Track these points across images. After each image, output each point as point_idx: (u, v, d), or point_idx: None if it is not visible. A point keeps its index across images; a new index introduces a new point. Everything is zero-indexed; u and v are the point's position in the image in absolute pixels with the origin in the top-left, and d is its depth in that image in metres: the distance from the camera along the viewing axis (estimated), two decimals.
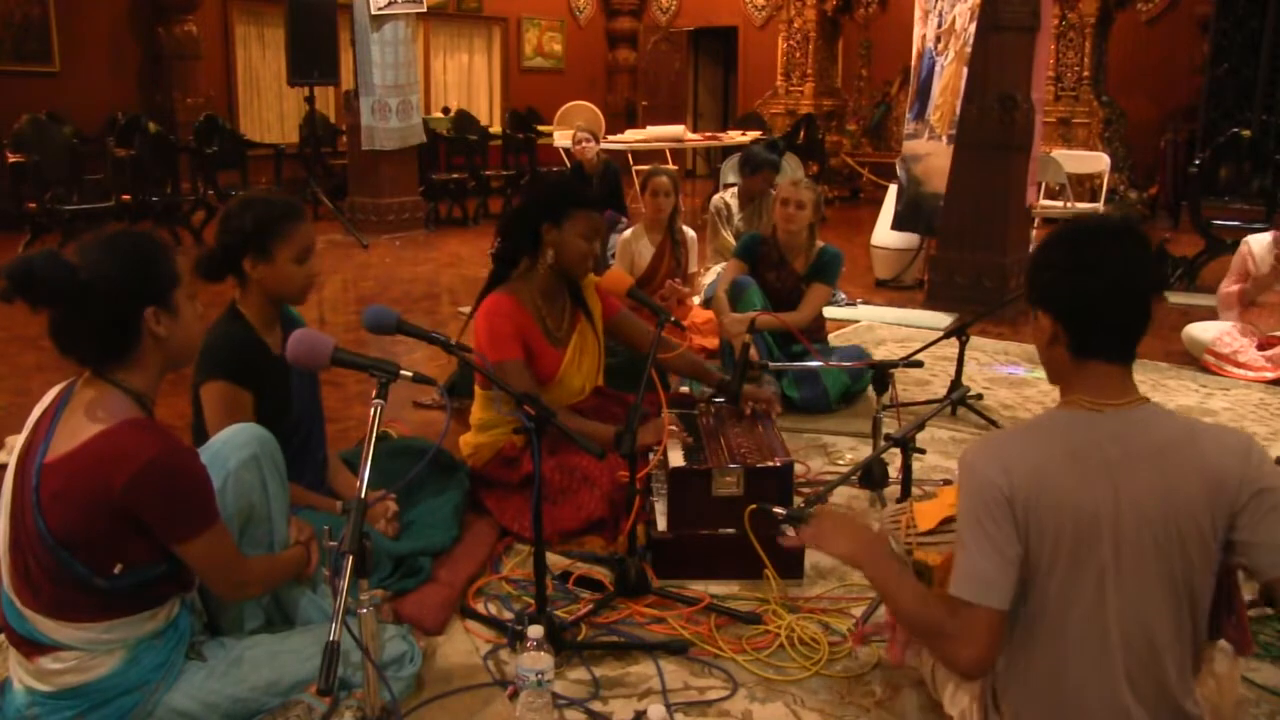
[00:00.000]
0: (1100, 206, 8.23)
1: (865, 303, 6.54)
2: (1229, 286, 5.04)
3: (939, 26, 6.33)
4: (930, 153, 6.32)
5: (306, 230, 2.54)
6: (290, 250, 2.49)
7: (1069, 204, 8.15)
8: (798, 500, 2.93)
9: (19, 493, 1.82)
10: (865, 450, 3.65)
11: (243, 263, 2.50)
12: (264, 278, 2.51)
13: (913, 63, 6.68)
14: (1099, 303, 1.65)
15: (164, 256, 1.89)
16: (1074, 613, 1.63)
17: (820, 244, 4.39)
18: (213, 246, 2.53)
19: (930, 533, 2.09)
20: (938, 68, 6.32)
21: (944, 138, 6.17)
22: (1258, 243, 4.96)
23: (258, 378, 2.49)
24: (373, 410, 1.91)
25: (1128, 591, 1.61)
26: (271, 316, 2.59)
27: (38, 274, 1.72)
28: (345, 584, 1.73)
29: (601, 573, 2.72)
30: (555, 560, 2.76)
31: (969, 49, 5.98)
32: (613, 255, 5.26)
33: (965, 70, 5.99)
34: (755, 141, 9.67)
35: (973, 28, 5.94)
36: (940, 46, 6.31)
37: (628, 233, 5.03)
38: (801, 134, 11.25)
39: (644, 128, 11.49)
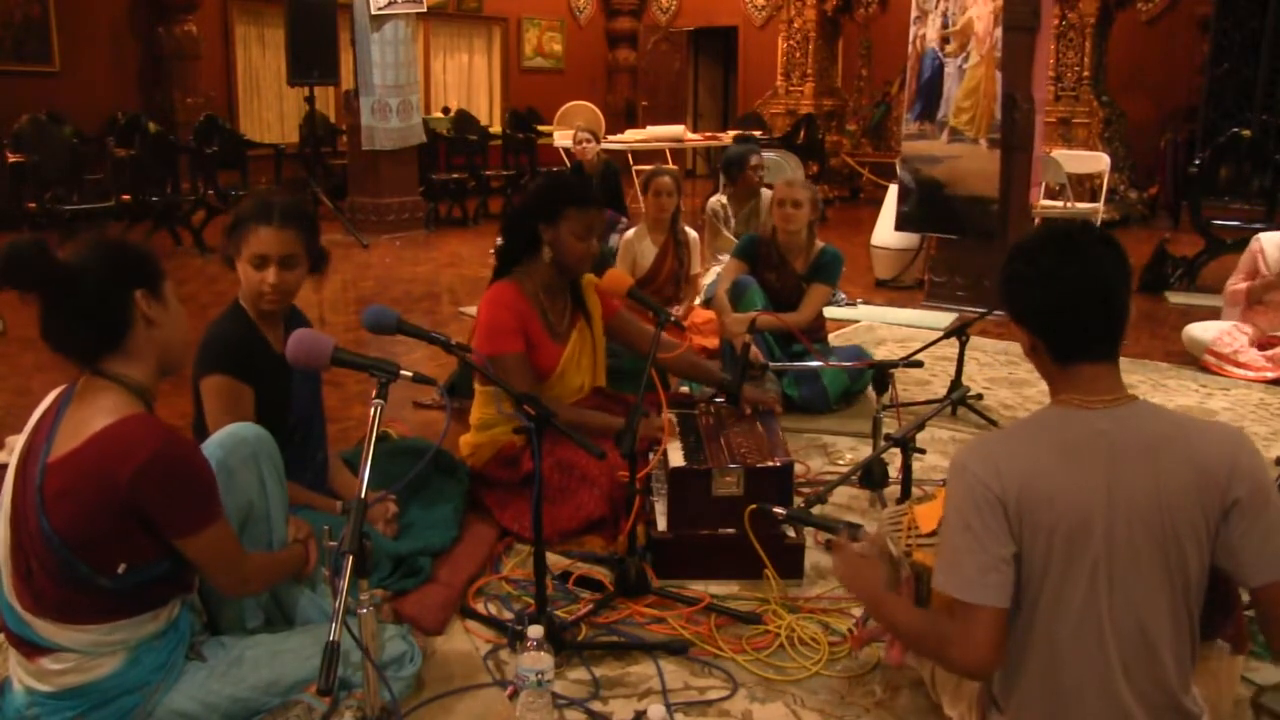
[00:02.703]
0: (1100, 206, 8.23)
1: (865, 303, 6.54)
2: (1236, 284, 5.01)
3: (945, 27, 6.32)
4: (958, 155, 6.32)
5: (260, 235, 2.45)
6: (246, 252, 2.47)
7: (1069, 204, 8.15)
8: (798, 500, 2.93)
9: (21, 494, 1.82)
10: (865, 450, 3.65)
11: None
12: (239, 277, 2.53)
13: (910, 62, 6.66)
14: (1067, 309, 1.66)
15: (149, 252, 1.93)
16: (1068, 610, 1.63)
17: (820, 244, 4.39)
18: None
19: (932, 534, 2.09)
20: (950, 69, 6.31)
21: (981, 141, 6.18)
22: (1270, 241, 4.92)
23: (257, 373, 2.49)
24: (373, 410, 1.91)
25: (1121, 587, 1.61)
26: (271, 313, 2.59)
27: (23, 258, 1.74)
28: (345, 584, 1.73)
29: (601, 573, 2.72)
30: (555, 560, 2.76)
31: (998, 53, 6.00)
32: (612, 256, 5.26)
33: (999, 74, 6.01)
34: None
35: (999, 31, 5.96)
36: (951, 48, 6.29)
37: (630, 233, 5.03)
38: (801, 134, 11.25)
39: (644, 128, 11.49)
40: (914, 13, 6.56)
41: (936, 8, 6.36)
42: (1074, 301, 1.65)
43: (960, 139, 6.29)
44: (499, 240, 3.20)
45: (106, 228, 7.52)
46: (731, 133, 11.81)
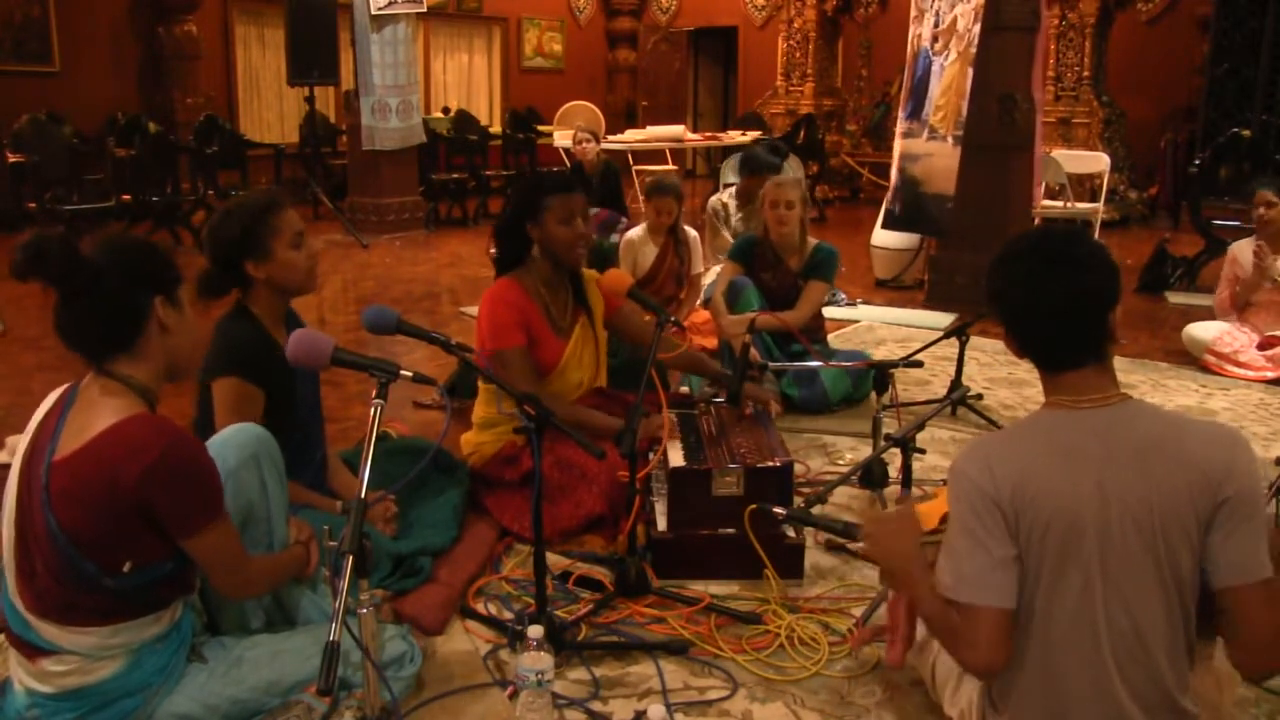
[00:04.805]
0: (1100, 206, 8.22)
1: (865, 303, 6.54)
2: (1221, 294, 5.15)
3: (935, 26, 6.31)
4: (932, 153, 6.29)
5: (291, 216, 2.55)
6: (284, 239, 2.51)
7: (1069, 204, 8.15)
8: (798, 500, 2.93)
9: (26, 494, 1.82)
10: (865, 450, 3.65)
11: (244, 268, 2.51)
12: (269, 275, 2.52)
13: (907, 62, 6.66)
14: (1046, 324, 1.68)
15: (170, 256, 1.94)
16: (1062, 610, 1.63)
17: (814, 241, 4.38)
18: (208, 265, 2.53)
19: (933, 532, 2.09)
20: (935, 67, 6.30)
21: (949, 138, 6.15)
22: (1239, 248, 5.09)
23: (268, 375, 2.50)
24: (373, 410, 1.91)
25: (1115, 586, 1.61)
26: (280, 314, 2.60)
27: (48, 250, 1.74)
28: (345, 584, 1.73)
29: (601, 573, 2.73)
30: (555, 560, 2.77)
31: (974, 50, 5.97)
32: (614, 253, 5.25)
33: (970, 71, 5.98)
34: (758, 142, 9.67)
35: (977, 28, 5.93)
36: (938, 46, 6.29)
37: (631, 233, 5.03)
38: (801, 134, 11.25)
39: (644, 128, 11.49)
40: (913, 12, 6.57)
41: (931, 7, 6.36)
42: (1052, 317, 1.67)
43: (935, 136, 6.28)
44: (492, 250, 3.22)
45: (108, 228, 7.52)
46: (733, 132, 11.81)
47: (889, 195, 6.65)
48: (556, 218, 3.00)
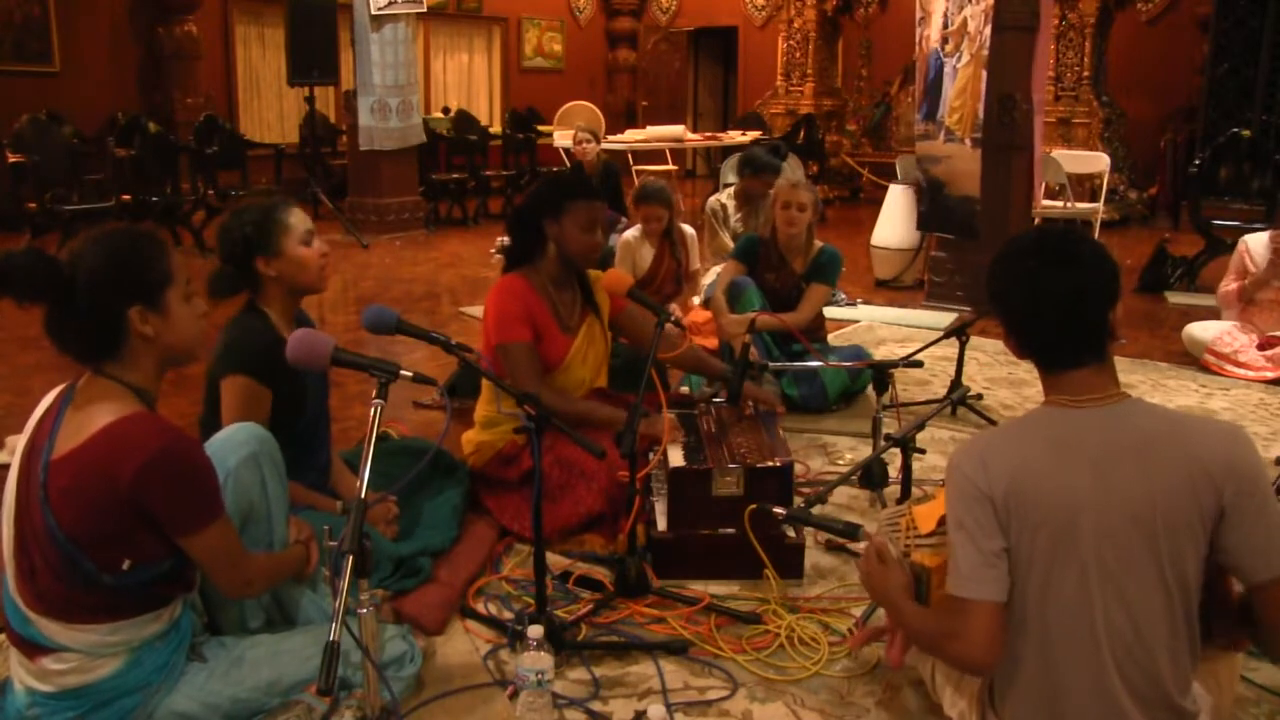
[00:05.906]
0: (1100, 206, 8.22)
1: (865, 303, 6.54)
2: (1228, 285, 5.09)
3: (945, 27, 6.31)
4: (952, 155, 6.30)
5: (300, 214, 2.57)
6: (294, 236, 2.52)
7: (1069, 204, 8.15)
8: (798, 500, 2.93)
9: (24, 492, 1.82)
10: (865, 450, 3.65)
11: (255, 266, 2.51)
12: (280, 272, 2.53)
13: (917, 63, 6.66)
14: (1045, 322, 1.68)
15: (154, 255, 1.87)
16: (1058, 608, 1.63)
17: (819, 244, 4.39)
18: (220, 264, 2.54)
19: (930, 535, 2.09)
20: (948, 69, 6.31)
21: (967, 141, 6.16)
22: (1255, 241, 5.04)
23: (278, 375, 2.49)
24: (373, 410, 1.91)
25: (1114, 584, 1.61)
26: (291, 312, 2.61)
27: (17, 271, 1.73)
28: (345, 584, 1.73)
29: (601, 572, 2.73)
30: (555, 560, 2.77)
31: (985, 51, 5.98)
32: (611, 255, 5.24)
33: (985, 74, 5.99)
34: (757, 142, 9.67)
35: (988, 30, 5.94)
36: (949, 48, 6.29)
37: (628, 234, 5.02)
38: (801, 134, 11.25)
39: (644, 128, 11.48)
40: (918, 13, 6.57)
41: (939, 8, 6.37)
42: (1052, 316, 1.67)
43: (952, 139, 6.29)
44: (500, 240, 3.22)
45: (105, 226, 7.50)
46: (733, 132, 11.80)
47: (918, 196, 6.66)
48: (577, 223, 3.00)
